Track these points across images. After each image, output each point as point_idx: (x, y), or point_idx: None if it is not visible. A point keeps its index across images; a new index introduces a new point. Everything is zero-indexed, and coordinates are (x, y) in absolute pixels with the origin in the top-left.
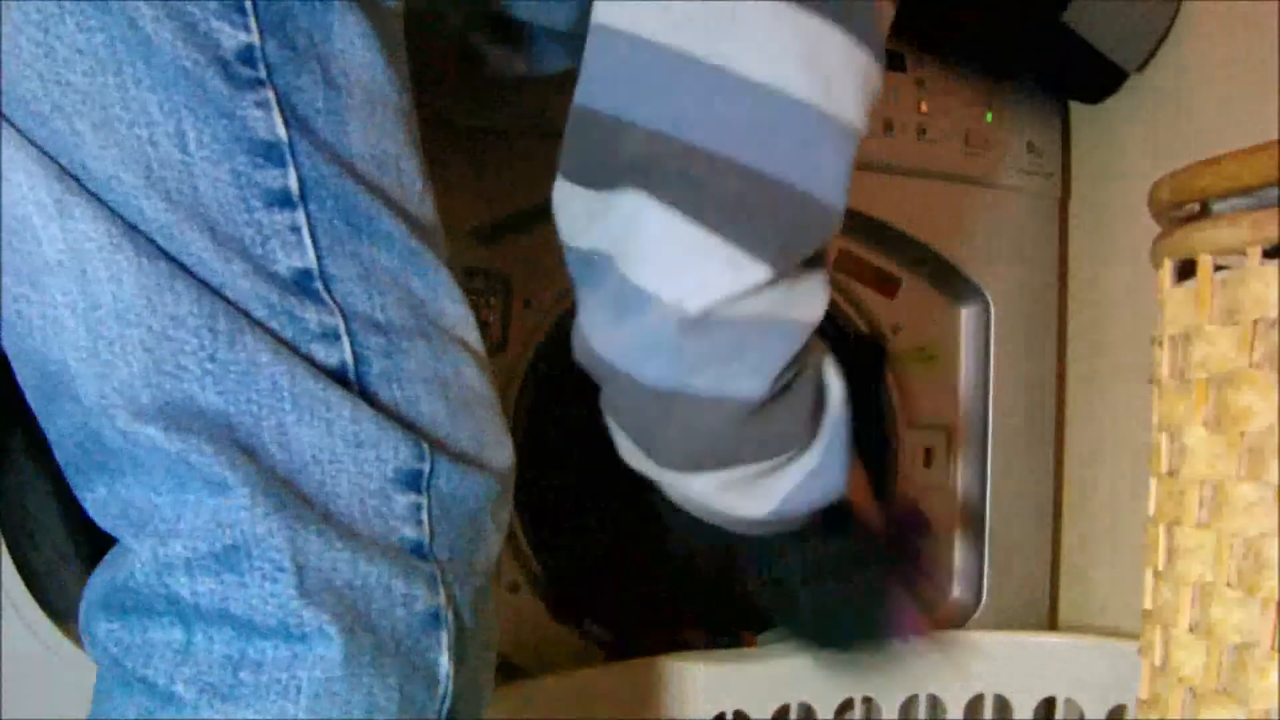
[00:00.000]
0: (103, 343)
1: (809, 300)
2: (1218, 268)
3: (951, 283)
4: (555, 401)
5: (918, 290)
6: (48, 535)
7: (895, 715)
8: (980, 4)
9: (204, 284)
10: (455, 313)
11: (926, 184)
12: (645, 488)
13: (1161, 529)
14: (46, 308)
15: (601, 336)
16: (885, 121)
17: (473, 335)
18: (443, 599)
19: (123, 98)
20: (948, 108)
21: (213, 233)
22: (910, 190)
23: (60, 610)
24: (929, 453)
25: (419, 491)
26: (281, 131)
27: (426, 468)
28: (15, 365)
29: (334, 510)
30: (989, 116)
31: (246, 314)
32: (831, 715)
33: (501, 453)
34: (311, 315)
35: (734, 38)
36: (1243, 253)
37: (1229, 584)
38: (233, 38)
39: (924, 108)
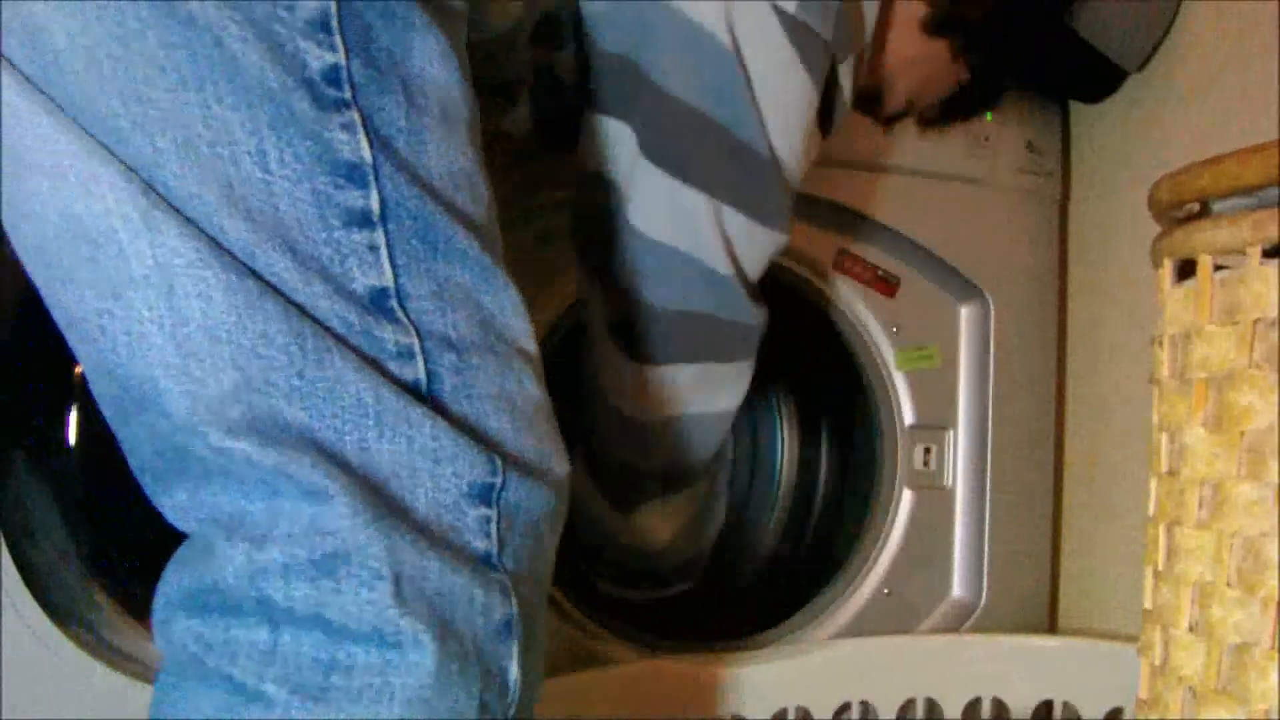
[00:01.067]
0: (193, 360)
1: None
2: (1218, 268)
3: (951, 283)
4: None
5: (918, 290)
6: (48, 535)
7: (893, 718)
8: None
9: (289, 301)
10: (519, 326)
11: (926, 184)
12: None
13: (1161, 529)
14: (132, 323)
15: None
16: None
17: (533, 346)
18: (515, 608)
19: (205, 116)
20: None
21: (293, 252)
22: (910, 190)
23: (60, 610)
24: (929, 453)
25: (490, 505)
26: (366, 153)
27: (499, 481)
28: (93, 379)
29: (416, 521)
30: (989, 116)
31: (330, 331)
32: (829, 718)
33: (562, 463)
34: (388, 334)
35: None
36: (1243, 253)
37: (1229, 584)
38: (319, 58)
39: None
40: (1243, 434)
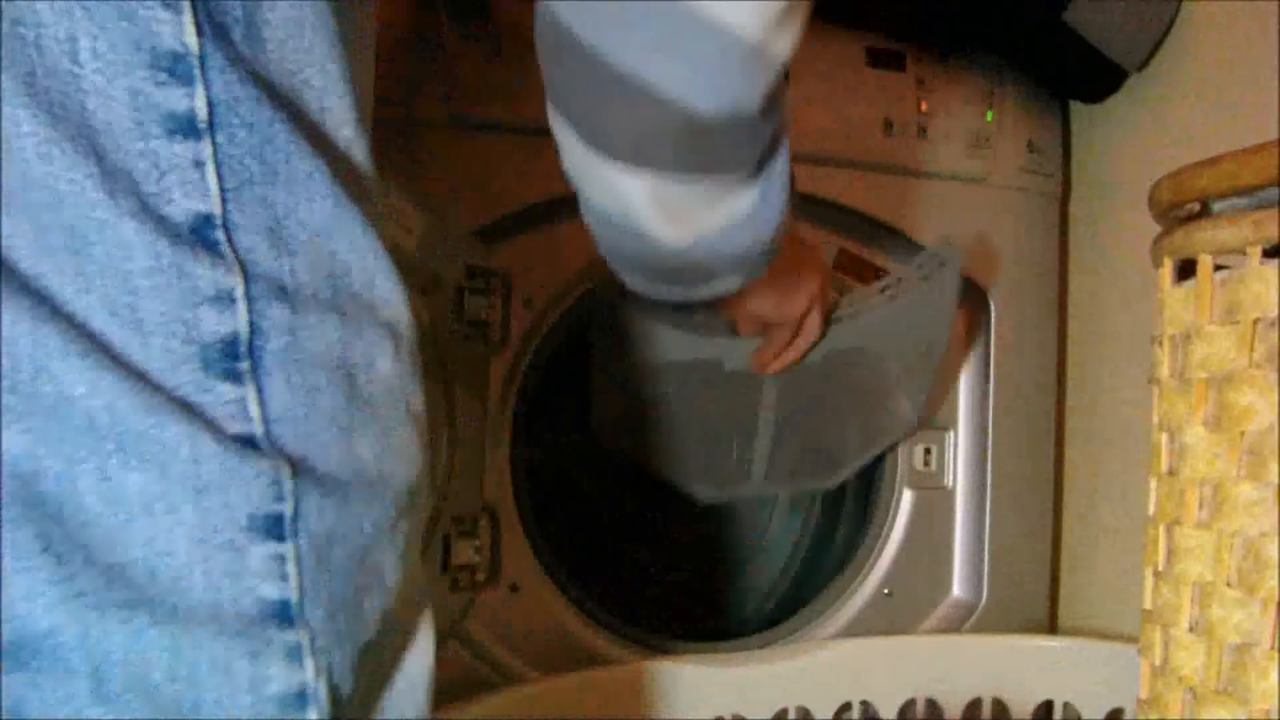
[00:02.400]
0: None
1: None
2: (1218, 268)
3: None
4: (555, 401)
5: None
6: None
7: (893, 718)
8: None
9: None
10: (384, 287)
11: (926, 184)
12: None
13: (1161, 529)
14: None
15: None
16: (885, 121)
17: (404, 318)
18: (309, 672)
19: None
20: (948, 107)
21: (99, 161)
22: (910, 190)
23: None
24: (929, 453)
25: (281, 539)
26: (192, 40)
27: (288, 509)
28: None
29: (161, 577)
30: (989, 116)
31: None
32: (829, 718)
33: (405, 465)
34: (205, 272)
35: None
36: (1243, 253)
37: (1229, 584)
38: None
39: (924, 107)
40: (1243, 434)
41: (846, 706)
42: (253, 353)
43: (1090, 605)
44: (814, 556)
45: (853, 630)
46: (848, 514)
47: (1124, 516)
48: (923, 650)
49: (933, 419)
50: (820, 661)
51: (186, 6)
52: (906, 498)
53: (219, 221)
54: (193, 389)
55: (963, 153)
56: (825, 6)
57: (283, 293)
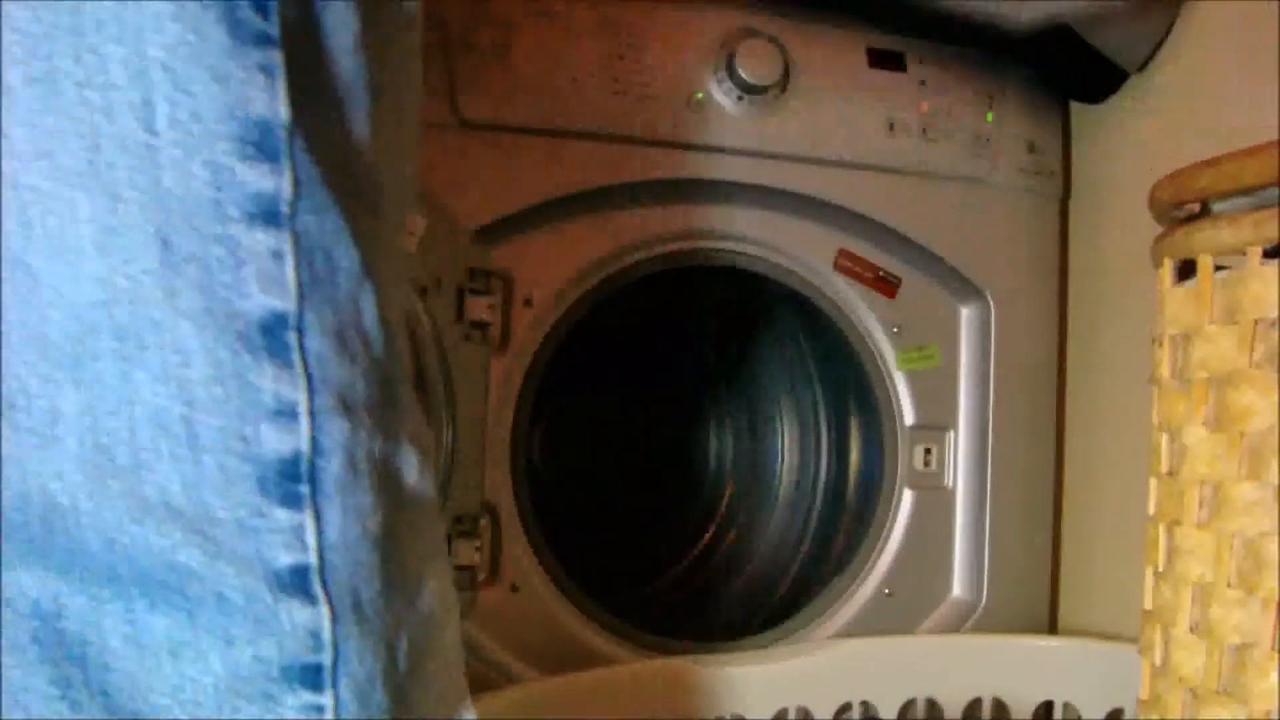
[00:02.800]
0: None
1: None
2: (1218, 268)
3: (951, 283)
4: (556, 401)
5: (918, 290)
6: None
7: (893, 718)
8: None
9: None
10: (409, 396)
11: (926, 184)
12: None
13: (1161, 529)
14: None
15: None
16: (886, 121)
17: (422, 425)
18: None
19: (75, 45)
20: (948, 108)
21: (164, 250)
22: (910, 190)
23: None
24: (929, 453)
25: (319, 689)
26: (285, 109)
27: (328, 658)
28: None
29: None
30: (989, 116)
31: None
32: (829, 718)
33: (442, 578)
34: (268, 384)
35: None
36: (1243, 253)
37: (1229, 584)
38: None
39: (924, 108)
40: (1243, 434)
41: (846, 706)
42: (313, 474)
43: (1090, 605)
44: (814, 556)
45: (853, 630)
46: (848, 514)
47: (1124, 516)
48: (923, 650)
49: (933, 419)
50: (820, 661)
51: (280, 70)
52: (906, 498)
53: (293, 323)
54: (247, 513)
55: (963, 153)
56: (825, 6)
57: (344, 407)
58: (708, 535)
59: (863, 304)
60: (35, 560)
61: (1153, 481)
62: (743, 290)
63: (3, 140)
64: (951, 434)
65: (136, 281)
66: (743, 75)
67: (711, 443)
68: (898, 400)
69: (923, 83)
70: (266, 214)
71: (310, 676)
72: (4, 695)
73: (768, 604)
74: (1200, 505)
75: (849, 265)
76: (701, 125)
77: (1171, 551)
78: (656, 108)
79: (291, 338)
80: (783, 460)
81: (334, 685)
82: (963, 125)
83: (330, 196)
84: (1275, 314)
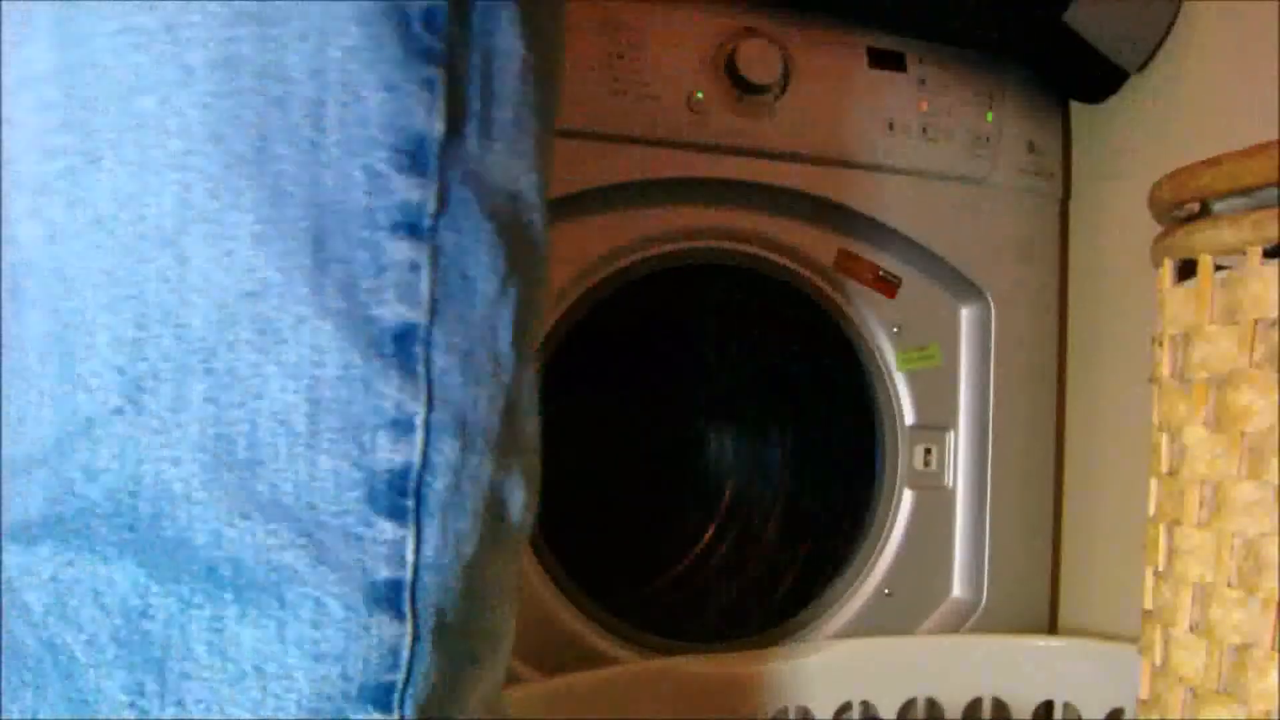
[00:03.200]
0: None
1: None
2: (1218, 268)
3: (951, 283)
4: (556, 401)
5: (918, 290)
6: None
7: (893, 718)
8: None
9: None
10: (532, 426)
11: (927, 184)
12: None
13: (1161, 529)
14: None
15: None
16: (886, 121)
17: (537, 462)
18: None
19: (258, 36)
20: (948, 107)
21: (316, 248)
22: (910, 190)
23: None
24: (929, 453)
25: (388, 709)
26: (440, 124)
27: (400, 678)
28: None
29: None
30: (989, 116)
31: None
32: (829, 718)
33: (512, 607)
34: (391, 392)
35: None
36: (1243, 253)
37: (1229, 584)
38: None
39: (924, 107)
40: (1243, 434)
41: (846, 706)
42: (420, 489)
43: (1090, 605)
44: (814, 556)
45: (853, 630)
46: (848, 514)
47: (1124, 516)
48: (923, 650)
49: (933, 419)
50: (820, 661)
51: (440, 88)
52: (906, 498)
53: (421, 335)
54: (354, 520)
55: (963, 153)
56: (826, 6)
57: (460, 427)
58: (708, 535)
59: (863, 304)
60: (130, 553)
61: (1153, 481)
62: (743, 290)
63: (176, 119)
64: (951, 434)
65: (289, 276)
66: (743, 75)
67: (711, 443)
68: (898, 400)
69: (922, 82)
70: (410, 225)
71: (382, 696)
72: (75, 695)
73: (768, 604)
74: (1200, 505)
75: (849, 265)
76: (701, 125)
77: (1171, 551)
78: (656, 108)
79: (419, 350)
80: (782, 460)
81: (401, 706)
82: (963, 125)
83: (476, 217)
84: (1275, 314)
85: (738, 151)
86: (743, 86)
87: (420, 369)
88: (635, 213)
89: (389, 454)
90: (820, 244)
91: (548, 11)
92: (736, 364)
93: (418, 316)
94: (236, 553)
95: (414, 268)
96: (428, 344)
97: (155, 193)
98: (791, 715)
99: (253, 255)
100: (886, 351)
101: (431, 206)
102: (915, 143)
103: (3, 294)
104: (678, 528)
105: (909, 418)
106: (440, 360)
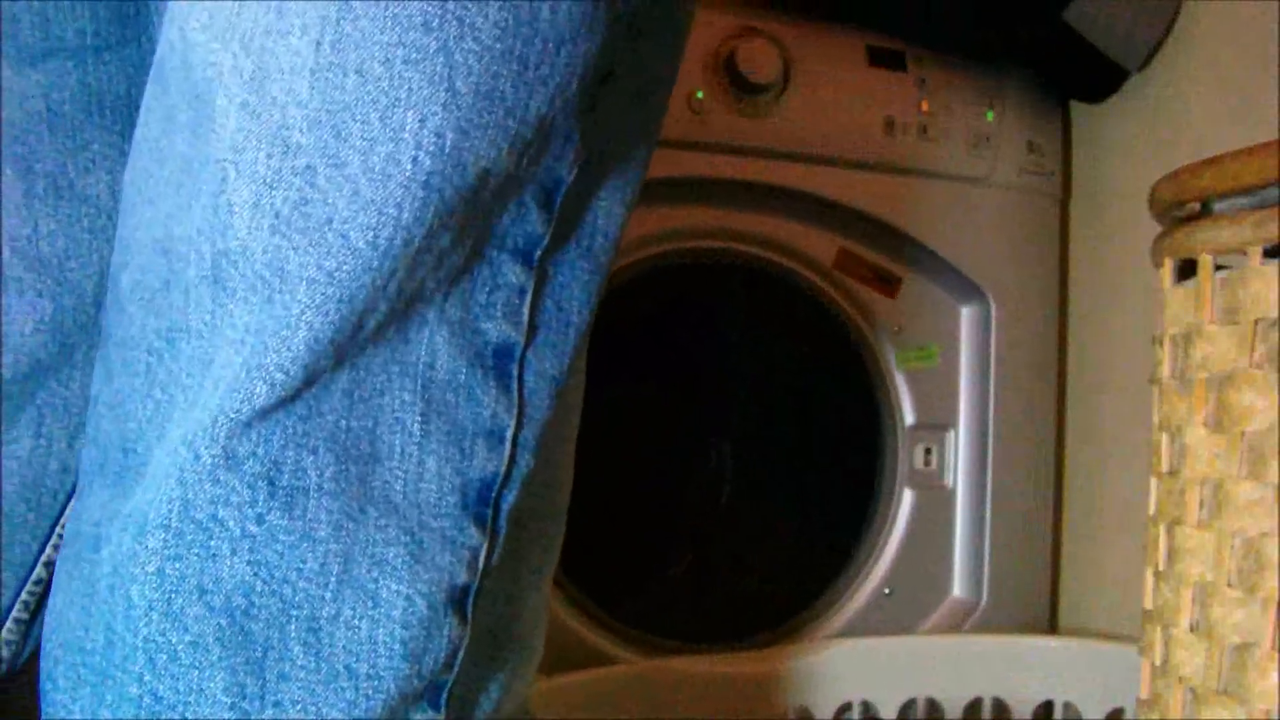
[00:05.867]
0: None
1: None
2: (1218, 267)
3: (952, 283)
4: None
5: (918, 290)
6: None
7: (893, 718)
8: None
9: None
10: (569, 456)
11: (927, 183)
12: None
13: (1162, 529)
14: None
15: None
16: (886, 121)
17: (563, 526)
18: None
19: (517, 81)
20: (949, 107)
21: (450, 253)
22: (910, 190)
23: None
24: (929, 452)
25: (437, 708)
26: (569, 173)
27: (451, 678)
28: None
29: None
30: (990, 116)
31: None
32: (829, 718)
33: (540, 633)
34: (490, 401)
35: None
36: (1243, 252)
37: (1229, 584)
38: None
39: (925, 107)
40: (1243, 434)
41: (846, 706)
42: (498, 500)
43: (1090, 605)
44: (814, 556)
45: (853, 630)
46: (848, 513)
47: (1124, 516)
48: (923, 650)
49: (933, 419)
50: (820, 661)
51: (578, 129)
52: (906, 497)
53: (518, 354)
54: (450, 524)
55: (963, 153)
56: (826, 6)
57: (539, 445)
58: (708, 535)
59: (863, 304)
60: (245, 549)
61: (1153, 481)
62: (743, 290)
63: (433, 139)
64: (951, 434)
65: (422, 284)
66: (743, 75)
67: (712, 442)
68: (898, 400)
69: (922, 82)
70: (525, 253)
71: (434, 695)
72: (176, 696)
73: (768, 604)
74: (1200, 505)
75: (849, 265)
76: (701, 125)
77: (1172, 551)
78: None
79: (513, 369)
80: (782, 460)
81: (447, 706)
82: (963, 125)
83: (578, 256)
84: (1275, 314)
85: (738, 151)
86: (743, 86)
87: (514, 385)
88: (635, 213)
89: (483, 462)
90: (820, 244)
91: (671, 41)
92: (736, 364)
93: (517, 337)
94: (348, 547)
95: (521, 292)
96: (522, 363)
97: (397, 205)
98: (791, 715)
99: (398, 257)
100: (887, 351)
101: (545, 241)
102: (915, 142)
103: (193, 279)
104: (678, 528)
105: (909, 417)
106: (531, 380)
